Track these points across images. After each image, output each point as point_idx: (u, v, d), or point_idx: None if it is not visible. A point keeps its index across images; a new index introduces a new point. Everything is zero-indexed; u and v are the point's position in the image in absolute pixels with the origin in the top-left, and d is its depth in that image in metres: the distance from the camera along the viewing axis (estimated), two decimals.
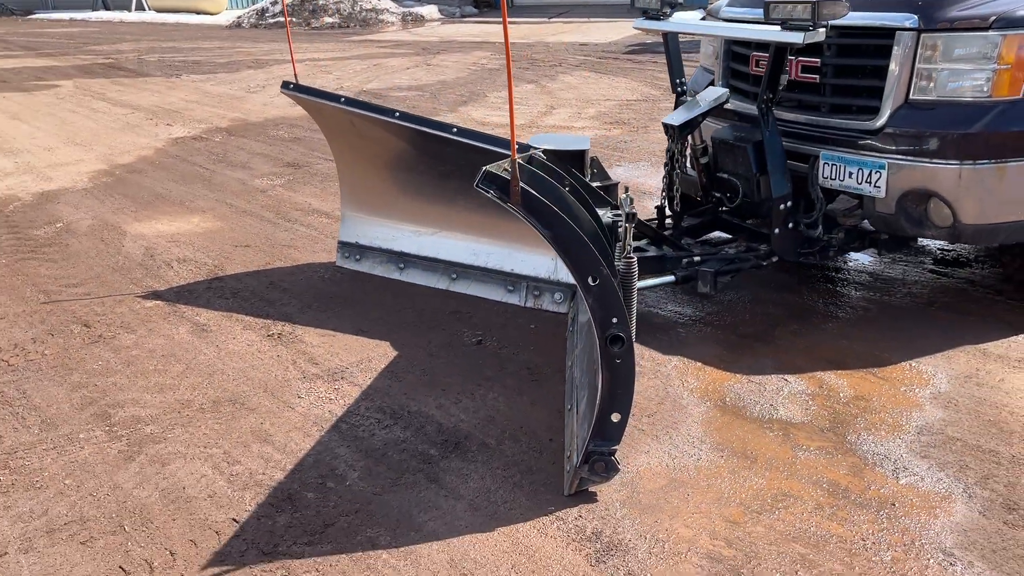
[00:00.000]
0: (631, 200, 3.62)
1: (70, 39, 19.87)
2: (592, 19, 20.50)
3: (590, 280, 2.43)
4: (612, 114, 8.77)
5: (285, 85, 4.18)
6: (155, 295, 4.28)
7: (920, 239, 4.01)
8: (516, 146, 2.43)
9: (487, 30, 19.14)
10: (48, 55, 16.35)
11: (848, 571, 2.27)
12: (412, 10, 22.53)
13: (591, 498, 2.59)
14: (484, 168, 2.46)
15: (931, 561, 2.30)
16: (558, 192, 2.92)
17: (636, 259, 2.82)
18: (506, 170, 2.46)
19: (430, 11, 22.88)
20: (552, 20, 21.22)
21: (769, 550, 2.36)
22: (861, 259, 4.51)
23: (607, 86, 10.71)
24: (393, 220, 4.32)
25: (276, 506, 2.59)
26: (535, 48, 15.11)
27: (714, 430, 2.96)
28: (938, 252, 4.59)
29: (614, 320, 2.43)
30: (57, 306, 4.16)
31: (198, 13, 26.39)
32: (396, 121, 3.92)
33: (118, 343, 3.74)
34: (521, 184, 2.40)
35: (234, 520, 2.53)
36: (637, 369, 3.30)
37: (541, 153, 3.49)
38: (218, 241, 5.09)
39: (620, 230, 3.34)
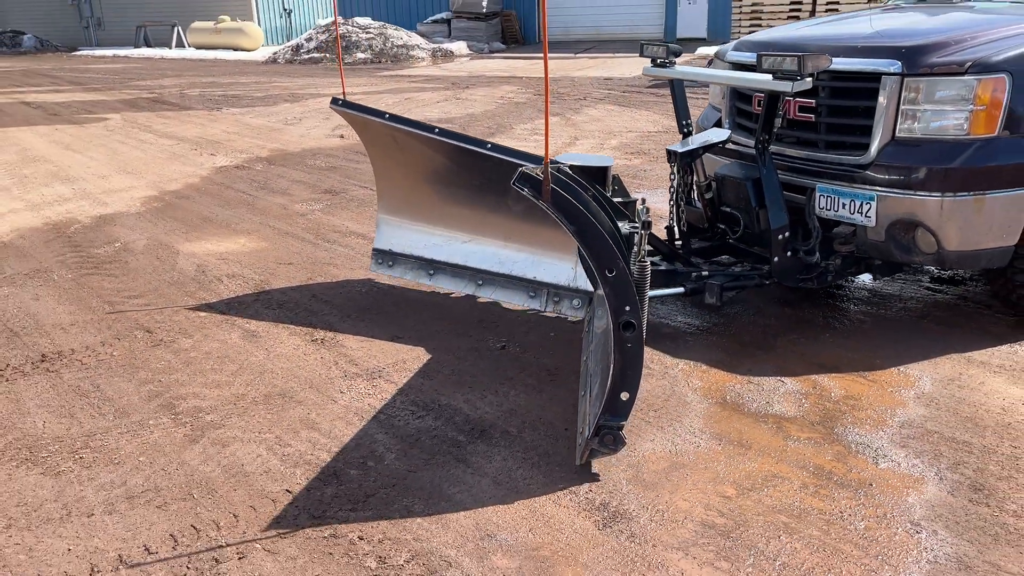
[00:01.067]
0: (647, 210, 3.99)
1: (114, 75, 20.69)
2: (617, 54, 21.02)
3: (607, 272, 2.77)
4: (633, 145, 9.15)
5: (334, 101, 4.54)
6: (208, 306, 4.69)
7: (909, 265, 4.32)
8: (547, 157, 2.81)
9: (514, 65, 19.69)
10: (95, 90, 17.10)
11: (825, 536, 2.58)
12: (442, 46, 23.21)
13: (600, 477, 2.92)
14: (520, 170, 2.83)
15: (899, 529, 2.61)
16: (582, 197, 3.28)
17: (649, 263, 3.16)
18: (539, 173, 2.83)
19: (459, 47, 23.55)
20: (578, 56, 21.77)
21: (756, 519, 2.68)
22: (862, 277, 4.82)
23: (629, 119, 11.12)
24: (425, 229, 4.68)
25: (323, 480, 2.95)
26: (561, 83, 15.59)
27: (714, 423, 3.29)
28: (935, 271, 4.90)
29: (627, 308, 2.77)
30: (121, 315, 4.58)
31: (236, 50, 27.30)
32: (435, 137, 4.27)
33: (177, 346, 4.14)
34: (552, 185, 2.77)
35: (287, 491, 2.89)
36: (647, 371, 3.66)
37: (568, 168, 3.86)
38: (263, 259, 5.51)
39: (636, 237, 3.69)
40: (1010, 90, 3.63)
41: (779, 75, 3.70)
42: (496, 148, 4.18)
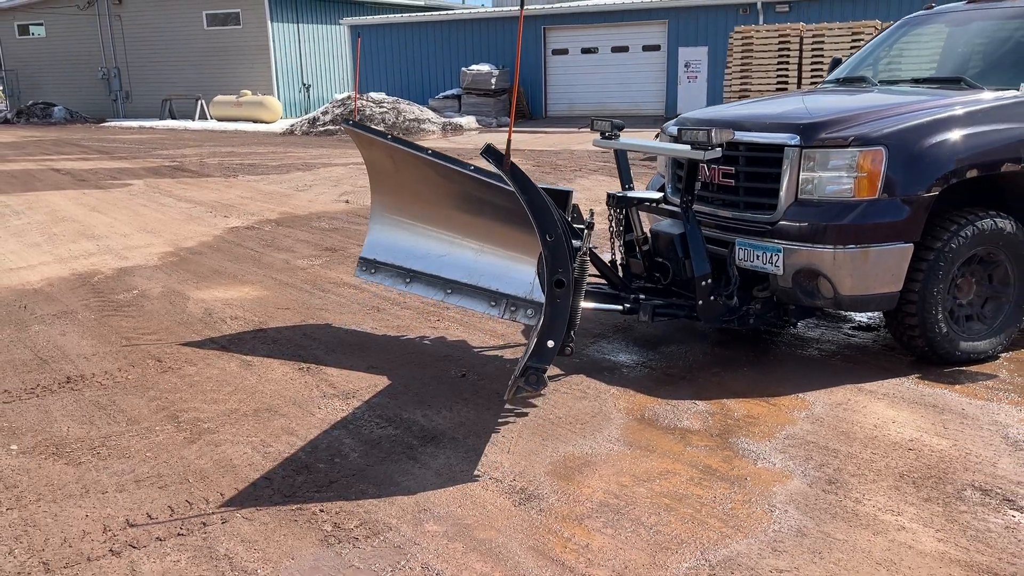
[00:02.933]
0: (592, 213, 4.69)
1: (140, 144, 21.85)
2: None
3: (548, 236, 3.41)
4: None
5: (346, 122, 5.18)
6: (212, 341, 5.36)
7: (816, 308, 4.93)
8: (512, 134, 3.49)
9: (519, 138, 20.67)
10: (121, 158, 18.15)
11: (696, 513, 3.18)
12: (452, 120, 24.32)
13: (524, 471, 3.53)
14: (486, 143, 3.51)
15: (757, 509, 3.20)
16: (539, 189, 3.90)
17: (589, 259, 3.76)
18: (503, 149, 3.50)
19: (468, 121, 24.66)
20: (581, 130, 22.77)
21: (645, 501, 3.27)
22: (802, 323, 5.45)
23: (617, 188, 11.86)
24: (408, 241, 5.27)
25: (296, 471, 3.58)
26: (560, 155, 16.48)
27: (628, 433, 3.90)
28: (856, 319, 5.52)
29: (560, 269, 3.40)
30: (135, 347, 5.26)
31: (256, 122, 28.60)
32: (427, 157, 4.87)
33: (183, 372, 4.81)
34: (511, 160, 3.43)
35: (266, 479, 3.52)
36: (581, 394, 4.29)
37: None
38: (263, 305, 6.20)
39: (583, 234, 4.31)
40: (886, 160, 4.31)
41: (695, 146, 4.41)
42: (478, 170, 4.83)
